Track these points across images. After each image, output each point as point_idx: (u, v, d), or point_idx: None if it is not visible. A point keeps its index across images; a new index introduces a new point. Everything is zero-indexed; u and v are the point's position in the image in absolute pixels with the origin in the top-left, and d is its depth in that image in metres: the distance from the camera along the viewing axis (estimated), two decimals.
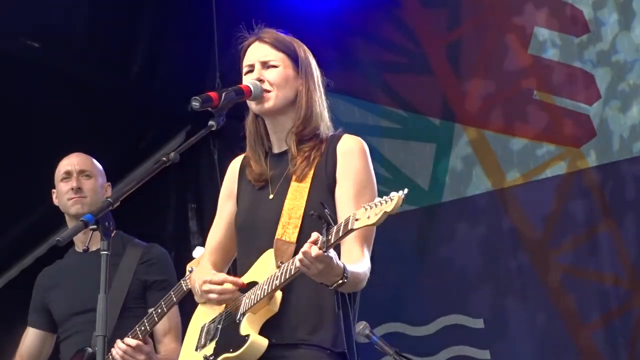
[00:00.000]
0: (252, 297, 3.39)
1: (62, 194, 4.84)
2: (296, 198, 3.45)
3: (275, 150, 3.60)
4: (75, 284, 4.76)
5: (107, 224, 3.21)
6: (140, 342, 4.41)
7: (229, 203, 3.69)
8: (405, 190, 3.06)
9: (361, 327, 4.69)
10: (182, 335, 4.72)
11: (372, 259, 3.43)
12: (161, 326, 4.61)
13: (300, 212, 3.43)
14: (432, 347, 6.27)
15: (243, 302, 3.43)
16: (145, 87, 6.63)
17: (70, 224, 4.85)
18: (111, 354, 4.42)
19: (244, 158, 3.68)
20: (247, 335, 3.35)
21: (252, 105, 3.56)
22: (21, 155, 6.24)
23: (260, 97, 3.51)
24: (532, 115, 6.11)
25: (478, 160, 6.27)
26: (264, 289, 3.35)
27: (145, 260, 4.75)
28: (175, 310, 4.66)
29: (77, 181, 4.82)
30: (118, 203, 3.26)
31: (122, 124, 6.56)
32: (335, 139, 3.54)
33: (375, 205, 3.08)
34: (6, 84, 6.07)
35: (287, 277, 3.29)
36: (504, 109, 6.21)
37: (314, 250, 3.13)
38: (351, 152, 3.50)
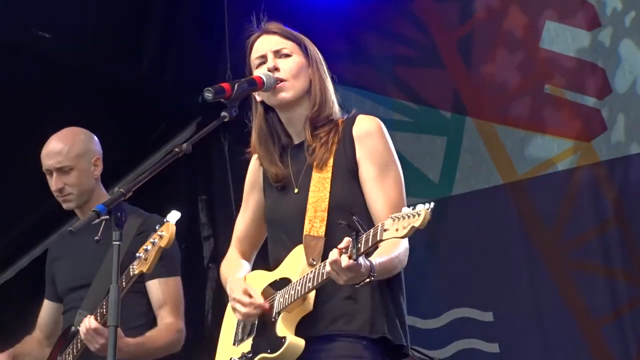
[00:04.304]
0: (286, 296, 3.36)
1: (52, 189, 4.67)
2: (319, 189, 3.42)
3: (296, 142, 3.57)
4: (76, 259, 4.63)
5: (119, 214, 3.21)
6: (99, 326, 4.13)
7: (254, 193, 3.67)
8: (432, 204, 3.03)
9: None
10: (183, 308, 4.54)
11: None
12: (155, 299, 4.48)
13: (325, 204, 3.40)
14: (441, 340, 6.27)
15: (277, 300, 3.40)
16: (157, 79, 6.64)
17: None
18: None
19: None
20: (284, 338, 3.33)
21: (266, 97, 3.53)
22: (31, 145, 6.24)
23: (273, 87, 3.48)
24: (543, 109, 6.10)
25: (488, 154, 6.26)
26: (297, 289, 3.33)
27: (141, 232, 4.43)
28: (172, 283, 4.51)
29: (56, 183, 4.62)
30: (130, 193, 3.26)
31: (133, 116, 6.56)
32: (350, 122, 3.51)
33: (403, 218, 3.05)
34: (17, 75, 6.07)
35: (319, 280, 3.27)
36: (514, 103, 6.20)
37: (344, 261, 3.11)
38: (368, 133, 3.46)
